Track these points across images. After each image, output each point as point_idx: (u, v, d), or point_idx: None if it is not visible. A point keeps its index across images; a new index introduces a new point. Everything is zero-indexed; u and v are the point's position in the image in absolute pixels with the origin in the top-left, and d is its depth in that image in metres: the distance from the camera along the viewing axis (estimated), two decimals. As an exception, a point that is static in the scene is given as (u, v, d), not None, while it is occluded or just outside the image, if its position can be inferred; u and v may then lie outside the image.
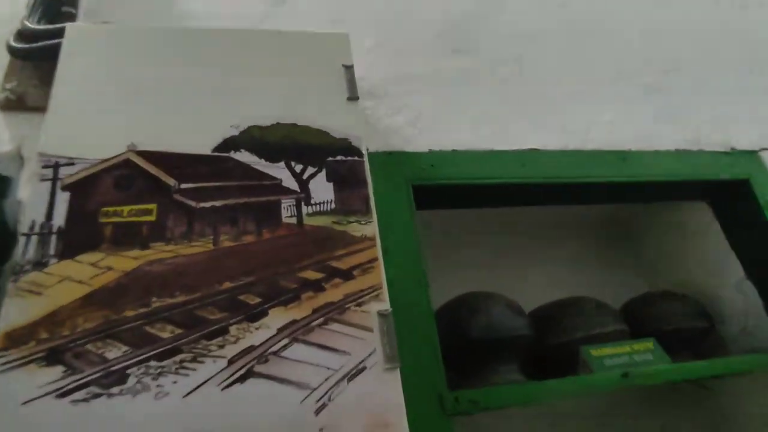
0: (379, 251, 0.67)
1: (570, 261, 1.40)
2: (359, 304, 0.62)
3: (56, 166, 0.63)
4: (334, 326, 0.61)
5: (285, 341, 0.58)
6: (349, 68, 0.79)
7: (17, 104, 0.82)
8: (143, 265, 0.59)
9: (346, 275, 0.64)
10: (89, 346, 0.54)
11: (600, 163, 1.03)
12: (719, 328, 1.17)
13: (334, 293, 0.62)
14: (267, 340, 0.58)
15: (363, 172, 0.72)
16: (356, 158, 0.73)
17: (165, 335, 0.56)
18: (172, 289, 0.58)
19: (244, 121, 0.71)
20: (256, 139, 0.70)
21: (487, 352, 0.91)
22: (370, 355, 0.60)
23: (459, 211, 1.08)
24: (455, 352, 0.93)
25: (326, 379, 0.57)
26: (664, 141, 1.12)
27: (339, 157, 0.72)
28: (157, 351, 0.55)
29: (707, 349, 1.13)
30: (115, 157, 0.65)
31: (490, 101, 1.06)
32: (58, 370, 0.52)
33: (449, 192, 0.93)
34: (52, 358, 0.52)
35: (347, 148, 0.73)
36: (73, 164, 0.63)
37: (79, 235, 0.60)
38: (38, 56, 0.82)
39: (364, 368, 0.59)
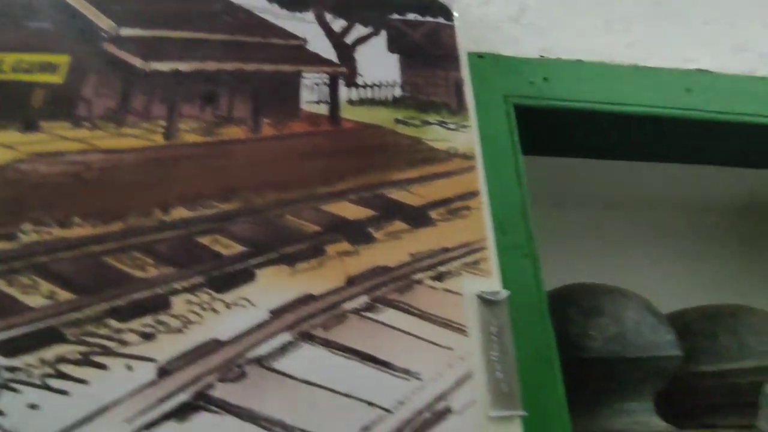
0: (481, 179, 0.35)
1: (700, 250, 1.02)
2: (440, 276, 0.31)
3: None
4: (387, 316, 0.29)
5: (284, 338, 0.28)
6: None
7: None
8: (18, 161, 0.30)
9: (417, 217, 0.32)
10: None
11: (804, 99, 0.65)
12: None
13: (390, 249, 0.31)
14: (246, 334, 0.27)
15: (453, 43, 0.40)
16: (441, 20, 0.41)
17: (35, 301, 0.26)
18: (67, 212, 0.29)
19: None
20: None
21: (615, 378, 0.57)
22: (460, 382, 0.28)
23: (569, 165, 0.74)
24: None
25: (364, 430, 0.26)
26: None
27: (411, 16, 0.40)
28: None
29: None
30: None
31: None
32: None
33: (570, 121, 0.59)
34: None
35: (427, 2, 0.41)
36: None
37: None
38: None
39: (447, 411, 0.28)
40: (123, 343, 0.26)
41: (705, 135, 0.63)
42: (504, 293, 0.30)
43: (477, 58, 0.58)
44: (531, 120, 0.58)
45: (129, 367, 0.26)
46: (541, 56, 0.61)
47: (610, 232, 0.95)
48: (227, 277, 0.28)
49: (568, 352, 0.59)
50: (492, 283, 0.31)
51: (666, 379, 0.61)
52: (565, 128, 0.61)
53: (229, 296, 0.28)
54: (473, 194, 0.34)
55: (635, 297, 0.63)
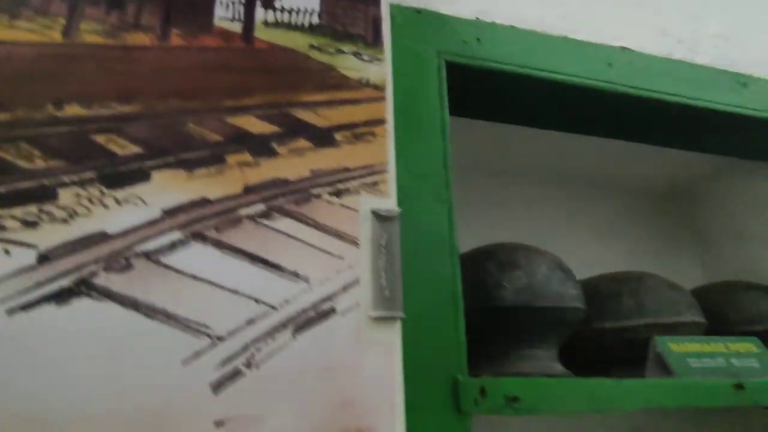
0: (390, 111, 0.36)
1: (618, 227, 1.10)
2: (338, 193, 0.32)
3: None
4: (281, 224, 0.30)
5: (174, 235, 0.28)
6: None
7: None
8: None
9: (322, 138, 0.33)
10: None
11: (713, 84, 0.71)
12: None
13: (291, 164, 0.32)
14: (136, 229, 0.28)
15: (376, -22, 0.41)
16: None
17: None
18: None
19: None
20: None
21: (523, 326, 0.61)
22: (347, 287, 0.30)
23: (495, 131, 0.77)
24: (473, 322, 0.63)
25: (249, 323, 0.27)
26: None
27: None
28: None
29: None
30: None
31: (566, -21, 0.73)
32: None
33: (498, 84, 0.62)
34: None
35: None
36: None
37: None
38: None
39: (331, 311, 0.29)
40: (2, 228, 0.26)
41: (624, 109, 0.68)
42: (396, 210, 0.32)
43: (415, 12, 0.59)
44: (461, 79, 0.60)
45: (6, 252, 0.25)
46: (477, 18, 0.63)
47: (532, 202, 1.01)
48: (120, 175, 0.29)
49: (484, 301, 0.63)
50: (388, 202, 0.32)
51: (570, 329, 0.66)
52: (494, 90, 0.64)
53: (120, 193, 0.28)
54: (380, 122, 0.35)
55: (548, 255, 0.67)
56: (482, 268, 0.65)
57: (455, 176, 0.56)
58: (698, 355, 0.62)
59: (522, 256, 0.65)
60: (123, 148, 0.29)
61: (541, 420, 0.85)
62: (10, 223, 0.26)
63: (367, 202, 0.32)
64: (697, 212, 1.15)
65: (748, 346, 0.65)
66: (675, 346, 0.62)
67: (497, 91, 0.64)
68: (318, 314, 0.29)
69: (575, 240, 1.03)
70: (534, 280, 0.62)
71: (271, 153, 0.32)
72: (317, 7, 0.38)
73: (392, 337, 0.30)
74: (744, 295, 0.85)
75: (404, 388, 0.42)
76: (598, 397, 0.46)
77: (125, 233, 0.27)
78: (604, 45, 0.68)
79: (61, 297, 0.25)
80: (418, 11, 0.60)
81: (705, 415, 0.97)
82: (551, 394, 0.44)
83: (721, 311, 0.83)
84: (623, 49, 0.69)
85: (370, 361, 0.29)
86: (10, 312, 0.24)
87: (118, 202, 0.28)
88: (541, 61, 0.63)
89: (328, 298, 0.29)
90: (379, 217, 0.31)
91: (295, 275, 0.29)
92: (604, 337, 0.72)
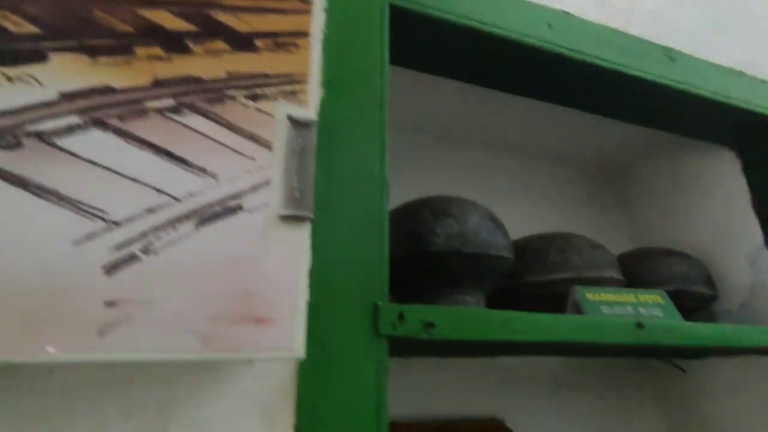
0: (316, 25, 0.36)
1: (555, 197, 1.15)
2: (254, 97, 0.32)
3: None
4: (192, 120, 0.30)
5: (72, 119, 0.27)
6: None
7: None
8: None
9: (241, 42, 0.33)
10: None
11: (644, 55, 0.75)
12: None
13: (206, 64, 0.31)
14: (28, 109, 0.26)
15: None
16: None
17: None
18: None
19: None
20: None
21: (452, 271, 0.64)
22: (256, 187, 0.30)
23: (436, 86, 0.78)
24: (406, 266, 0.65)
25: (149, 211, 0.27)
26: (715, 53, 0.86)
27: None
28: None
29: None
30: None
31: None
32: None
33: (440, 33, 0.62)
34: None
35: None
36: None
37: None
38: None
39: (238, 208, 0.29)
40: None
41: (559, 70, 0.70)
42: (313, 117, 0.32)
43: (361, -49, 0.58)
44: (403, 24, 0.60)
45: None
46: (424, -35, 0.63)
47: (470, 165, 1.04)
48: (13, 53, 0.27)
49: (417, 247, 0.64)
50: (306, 111, 0.32)
51: (498, 278, 0.69)
52: (435, 40, 0.64)
53: (12, 71, 0.27)
54: (304, 34, 0.35)
55: (481, 207, 0.70)
56: (417, 216, 0.67)
57: (397, 135, 0.57)
58: (610, 304, 0.66)
59: (455, 206, 0.67)
60: (19, 26, 0.28)
61: (468, 368, 0.89)
62: None
63: (284, 108, 0.32)
64: (627, 186, 1.22)
65: (655, 297, 0.70)
66: (591, 295, 0.67)
67: (438, 41, 0.65)
68: (224, 209, 0.29)
69: (513, 206, 1.07)
70: (465, 228, 0.65)
71: (185, 50, 0.31)
72: None
73: (301, 237, 0.30)
74: (660, 259, 0.92)
75: (322, 308, 0.43)
76: (511, 328, 0.48)
77: (16, 111, 0.26)
78: (547, 7, 0.70)
79: (-63, 168, 0.24)
80: (364, -51, 0.59)
81: (620, 370, 1.05)
82: (467, 323, 0.47)
83: (639, 272, 0.89)
84: (565, 12, 0.71)
85: (276, 258, 0.29)
86: None
87: (9, 79, 0.26)
88: (485, 14, 0.64)
89: (236, 195, 0.29)
90: (295, 122, 0.31)
91: (202, 170, 0.29)
92: (532, 290, 0.77)
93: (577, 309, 0.65)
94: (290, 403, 0.39)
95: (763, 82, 0.89)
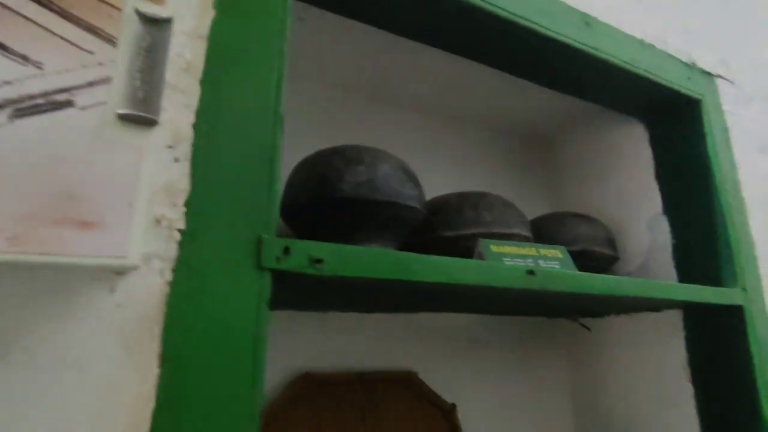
0: None
1: (480, 161, 1.18)
2: (98, -14, 0.28)
3: None
4: (17, 2, 0.26)
5: None
6: None
7: None
8: None
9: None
10: None
11: (561, 17, 0.77)
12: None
13: (37, -60, 0.27)
14: None
15: None
16: None
17: None
18: None
19: None
20: None
21: (360, 218, 0.63)
22: (93, 84, 0.27)
23: (365, 43, 0.76)
24: (316, 212, 0.64)
25: (-52, 95, 0.24)
26: (630, 24, 0.89)
27: None
28: None
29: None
30: None
31: None
32: None
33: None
34: None
35: None
36: None
37: None
38: None
39: (67, 103, 0.26)
40: None
41: (474, 23, 0.70)
42: (165, 15, 0.29)
43: None
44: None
45: None
46: None
47: (395, 124, 1.04)
48: None
49: (326, 192, 0.63)
50: (159, 8, 0.29)
51: (407, 228, 0.69)
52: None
53: None
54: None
55: (394, 157, 0.69)
56: (329, 162, 0.65)
57: (320, 90, 0.54)
58: (512, 256, 0.69)
59: (367, 154, 0.67)
60: None
61: (386, 325, 0.91)
62: None
63: (132, 2, 0.29)
64: (550, 154, 1.27)
65: (556, 252, 0.74)
66: (494, 247, 0.69)
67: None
68: (49, 103, 0.26)
69: (438, 168, 1.08)
70: (374, 176, 0.64)
71: None
72: None
73: (142, 140, 0.28)
74: (568, 221, 0.96)
75: (204, 241, 0.41)
76: (404, 268, 0.49)
77: None
78: (468, -43, 0.69)
79: None
80: None
81: (532, 329, 1.11)
82: (357, 260, 0.46)
83: (549, 233, 0.94)
84: (484, -35, 0.71)
85: (110, 160, 0.27)
86: None
87: None
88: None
89: (66, 89, 0.26)
90: (144, 18, 0.28)
91: (24, 58, 0.26)
92: (444, 244, 0.78)
93: (481, 259, 0.67)
94: (156, 333, 0.37)
95: (670, 57, 0.94)
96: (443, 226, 0.78)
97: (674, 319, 0.94)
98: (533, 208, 1.11)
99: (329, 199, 0.62)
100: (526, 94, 1.05)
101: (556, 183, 1.25)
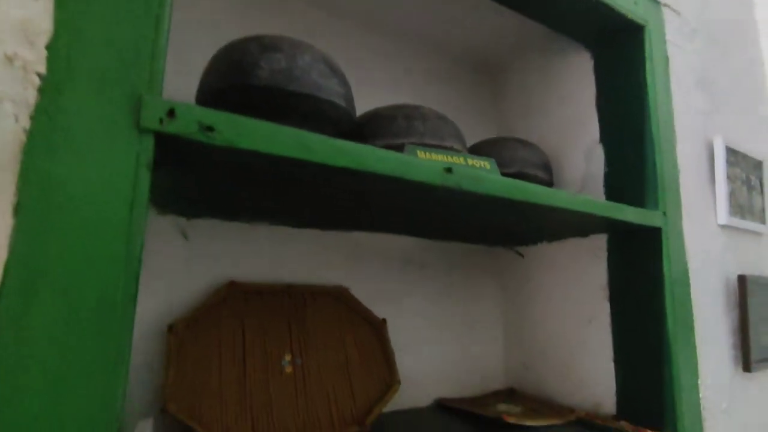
0: None
1: (428, 84, 1.15)
2: None
3: None
4: None
5: None
6: None
7: None
8: None
9: None
10: None
11: None
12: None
13: None
14: None
15: None
16: None
17: None
18: None
19: None
20: None
21: (276, 108, 0.59)
22: None
23: None
24: (229, 99, 0.60)
25: None
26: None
27: None
28: None
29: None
30: None
31: None
32: None
33: None
34: None
35: None
36: None
37: None
38: None
39: None
40: None
41: None
42: None
43: None
44: None
45: None
46: None
47: (342, 39, 0.99)
48: None
49: (239, 79, 0.59)
50: None
51: (329, 124, 0.66)
52: None
53: None
54: None
55: (318, 49, 0.65)
56: (244, 48, 0.60)
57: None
58: (441, 164, 0.68)
59: (287, 43, 0.62)
60: None
61: (319, 240, 0.89)
62: None
63: None
64: (499, 80, 1.25)
65: (484, 163, 0.73)
66: (422, 154, 0.67)
67: None
68: None
69: (385, 90, 1.05)
70: (293, 65, 0.60)
71: None
72: None
73: None
74: (507, 144, 0.96)
75: (72, 93, 0.36)
76: (304, 146, 0.46)
77: None
78: None
79: None
80: None
81: (468, 255, 1.13)
82: (253, 132, 0.43)
83: (486, 154, 0.93)
84: None
85: None
86: None
87: None
88: None
89: None
90: None
91: None
92: (374, 153, 0.76)
93: (405, 163, 0.66)
94: (9, 181, 0.34)
95: (621, -22, 0.91)
96: (373, 134, 0.75)
97: (600, 243, 0.97)
98: (479, 135, 1.11)
99: (242, 86, 0.58)
100: (476, 14, 1.01)
101: (503, 110, 1.24)
